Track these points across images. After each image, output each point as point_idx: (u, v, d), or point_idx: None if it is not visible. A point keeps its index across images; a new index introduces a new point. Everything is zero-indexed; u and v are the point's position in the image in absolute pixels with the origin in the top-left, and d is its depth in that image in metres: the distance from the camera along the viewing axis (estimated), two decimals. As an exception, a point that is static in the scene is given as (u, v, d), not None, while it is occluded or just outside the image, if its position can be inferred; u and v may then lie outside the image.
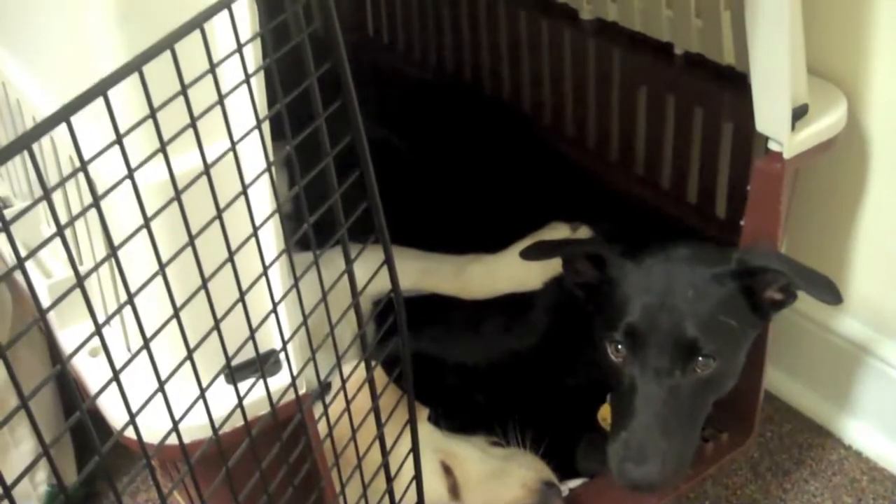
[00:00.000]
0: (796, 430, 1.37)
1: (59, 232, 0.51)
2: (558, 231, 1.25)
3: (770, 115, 1.03)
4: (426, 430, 1.07)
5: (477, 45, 1.62)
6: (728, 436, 1.24)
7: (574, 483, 1.20)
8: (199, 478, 0.67)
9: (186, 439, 0.66)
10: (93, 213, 0.53)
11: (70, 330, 0.89)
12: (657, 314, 1.03)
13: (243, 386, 0.75)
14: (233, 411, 0.68)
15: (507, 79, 1.58)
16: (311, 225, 0.71)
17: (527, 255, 1.14)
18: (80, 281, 0.53)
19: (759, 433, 1.36)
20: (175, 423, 0.62)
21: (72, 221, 0.53)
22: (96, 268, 0.55)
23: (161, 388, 0.59)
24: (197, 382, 0.64)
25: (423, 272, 1.25)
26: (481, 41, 1.60)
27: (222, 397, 0.71)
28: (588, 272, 1.12)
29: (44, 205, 0.49)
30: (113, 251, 0.55)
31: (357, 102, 0.71)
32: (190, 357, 0.61)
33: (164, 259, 0.59)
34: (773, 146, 1.05)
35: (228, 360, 0.66)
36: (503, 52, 1.57)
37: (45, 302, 0.89)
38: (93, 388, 0.84)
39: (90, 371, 0.86)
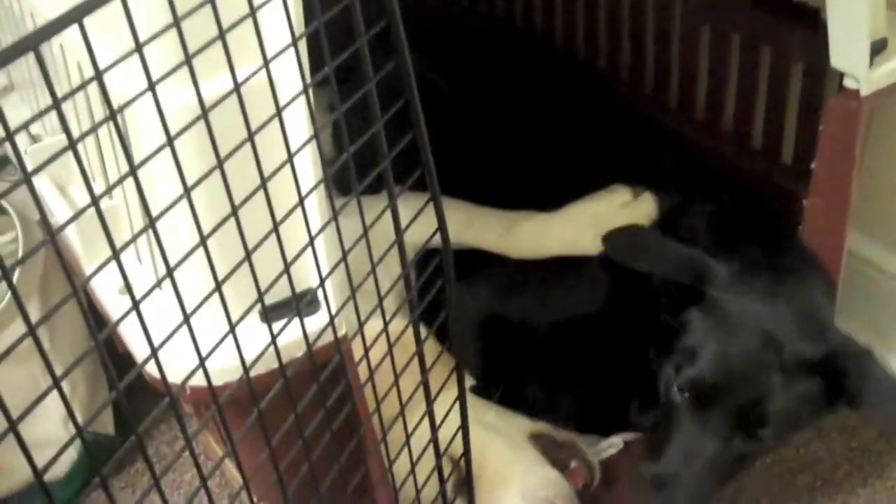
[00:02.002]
0: (863, 388, 1.31)
1: (72, 145, 0.47)
2: (619, 194, 1.18)
3: (847, 48, 0.96)
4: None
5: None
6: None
7: (629, 436, 1.15)
8: (231, 423, 0.63)
9: (218, 381, 0.62)
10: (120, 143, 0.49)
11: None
12: (734, 377, 0.98)
13: (278, 326, 0.71)
14: (266, 349, 0.63)
15: (560, 24, 1.51)
16: (351, 154, 0.67)
17: (611, 244, 1.07)
18: (94, 200, 0.48)
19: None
20: (202, 360, 0.57)
21: (86, 135, 0.49)
22: (113, 186, 0.50)
23: (186, 321, 0.55)
24: (227, 319, 0.59)
25: (468, 225, 1.19)
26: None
27: (256, 338, 0.67)
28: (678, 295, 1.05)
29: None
30: (132, 170, 0.50)
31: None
32: (218, 289, 0.57)
33: (192, 184, 0.55)
34: (848, 83, 0.98)
35: (261, 294, 0.61)
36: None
37: (74, 236, 0.86)
38: (122, 328, 0.81)
39: (120, 310, 0.82)
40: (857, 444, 1.24)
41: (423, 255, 0.78)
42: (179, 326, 0.55)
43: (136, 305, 0.51)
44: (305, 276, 0.73)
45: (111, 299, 0.83)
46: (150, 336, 0.53)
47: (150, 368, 0.65)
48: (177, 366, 0.61)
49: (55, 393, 0.50)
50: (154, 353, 0.53)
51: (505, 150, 1.37)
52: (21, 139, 1.08)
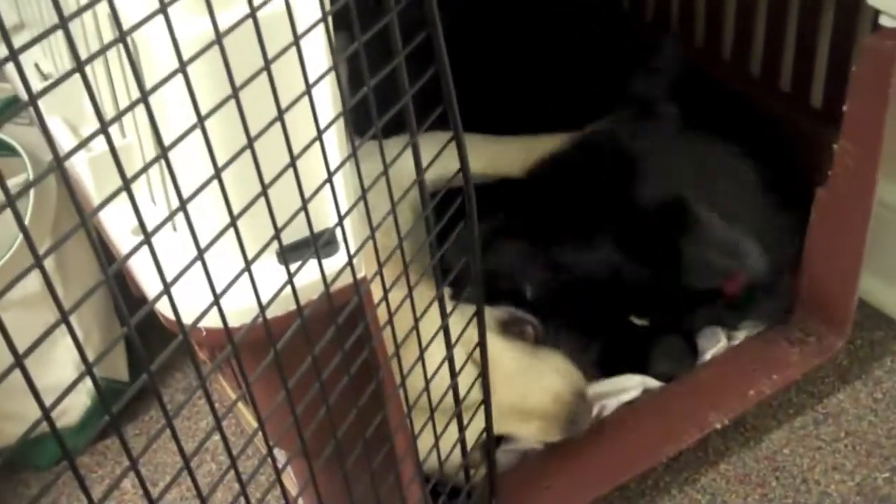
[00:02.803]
0: (889, 337, 1.28)
1: (80, 68, 0.44)
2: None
3: (883, -16, 0.92)
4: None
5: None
6: (816, 340, 1.15)
7: (650, 382, 1.13)
8: (247, 367, 0.61)
9: (234, 323, 0.59)
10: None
11: (112, 209, 0.83)
12: None
13: (295, 267, 0.69)
14: (282, 288, 0.61)
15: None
16: (371, 89, 0.64)
17: None
18: (104, 127, 0.46)
19: (849, 340, 1.27)
20: (216, 298, 0.55)
21: (94, 57, 0.46)
22: (125, 112, 0.47)
23: (200, 256, 0.53)
24: (242, 256, 0.57)
25: (491, 157, 1.17)
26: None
27: (273, 279, 0.64)
28: None
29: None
30: (144, 96, 0.48)
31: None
32: (234, 224, 0.55)
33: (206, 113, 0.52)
34: (884, 21, 0.94)
35: (277, 231, 0.59)
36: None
37: (87, 175, 0.83)
38: (136, 269, 0.78)
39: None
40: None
41: (444, 194, 0.75)
42: (193, 262, 0.52)
43: (147, 239, 0.49)
44: (324, 215, 0.70)
45: (125, 240, 0.81)
46: (163, 271, 0.50)
47: (164, 309, 0.64)
48: (192, 306, 0.59)
49: (69, 340, 0.48)
50: (167, 288, 0.51)
51: (526, 76, 1.33)
52: (33, 79, 1.06)
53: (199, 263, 0.53)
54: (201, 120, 0.52)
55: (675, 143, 1.17)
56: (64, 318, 0.45)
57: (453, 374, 0.84)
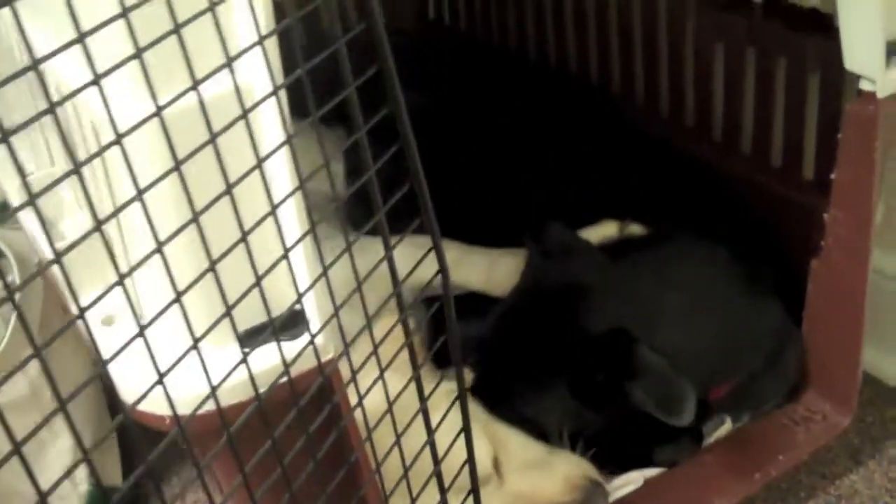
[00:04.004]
0: (902, 414, 1.25)
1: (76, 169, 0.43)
2: (606, 228, 1.14)
3: (861, 49, 0.91)
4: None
5: (540, 13, 1.52)
6: (822, 418, 1.12)
7: (651, 472, 1.09)
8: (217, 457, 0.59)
9: (223, 403, 0.59)
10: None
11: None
12: None
13: (259, 351, 0.67)
14: (233, 369, 0.59)
15: (573, 46, 1.48)
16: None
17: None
18: (100, 225, 0.45)
19: (860, 418, 1.23)
20: (161, 377, 0.53)
21: (23, 127, 0.45)
22: (69, 171, 0.46)
23: (141, 334, 0.51)
24: (190, 335, 0.55)
25: (455, 263, 1.14)
26: (545, 5, 1.50)
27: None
28: None
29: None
30: (76, 167, 0.47)
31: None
32: (178, 300, 0.53)
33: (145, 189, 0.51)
34: (864, 86, 0.94)
35: (229, 309, 0.57)
36: (567, 18, 1.47)
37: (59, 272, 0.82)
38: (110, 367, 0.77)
39: (105, 341, 0.79)
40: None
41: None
42: (133, 339, 0.51)
43: (141, 332, 0.48)
44: (289, 297, 0.69)
45: (95, 331, 0.79)
46: (157, 363, 0.49)
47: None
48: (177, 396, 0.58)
49: (60, 445, 0.48)
50: (161, 379, 0.49)
51: (508, 181, 1.31)
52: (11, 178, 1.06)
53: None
54: (140, 193, 0.51)
55: (631, 263, 1.11)
56: (62, 406, 0.45)
57: (436, 460, 0.81)
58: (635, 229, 1.14)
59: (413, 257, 0.73)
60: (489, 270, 1.16)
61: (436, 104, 1.39)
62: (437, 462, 0.81)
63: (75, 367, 1.20)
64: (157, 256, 0.53)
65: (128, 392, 0.72)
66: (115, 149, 0.63)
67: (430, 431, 0.79)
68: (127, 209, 0.54)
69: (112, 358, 0.50)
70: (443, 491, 0.83)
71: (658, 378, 0.98)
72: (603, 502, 1.01)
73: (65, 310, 1.13)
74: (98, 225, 0.49)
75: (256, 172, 0.58)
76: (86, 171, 0.49)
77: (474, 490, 0.84)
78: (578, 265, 1.09)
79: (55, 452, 1.16)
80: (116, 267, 0.51)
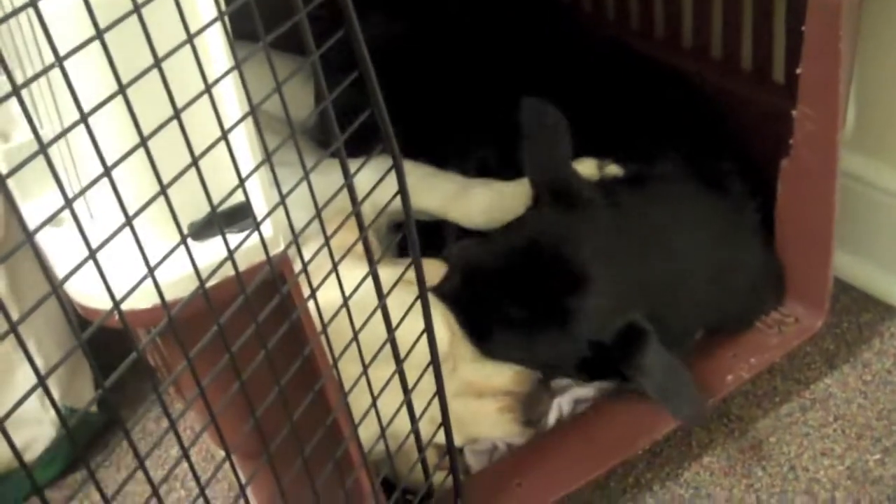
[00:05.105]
0: (877, 319, 1.23)
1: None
2: (584, 165, 1.11)
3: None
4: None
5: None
6: (795, 321, 1.11)
7: (582, 391, 1.09)
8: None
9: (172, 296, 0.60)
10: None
11: (33, 203, 0.80)
12: None
13: (210, 243, 0.66)
14: (169, 254, 0.58)
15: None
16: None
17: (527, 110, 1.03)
18: (42, 146, 0.43)
19: (835, 324, 1.22)
20: (150, 270, 0.52)
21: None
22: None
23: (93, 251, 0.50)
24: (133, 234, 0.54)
25: (424, 189, 1.13)
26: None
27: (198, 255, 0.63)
28: None
29: None
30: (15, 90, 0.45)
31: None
32: (164, 192, 0.52)
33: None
34: (829, -25, 0.92)
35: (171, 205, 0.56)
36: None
37: (3, 169, 0.80)
38: (59, 262, 0.75)
39: (57, 245, 0.77)
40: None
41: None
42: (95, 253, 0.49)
43: (92, 253, 0.46)
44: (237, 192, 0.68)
45: (46, 235, 0.78)
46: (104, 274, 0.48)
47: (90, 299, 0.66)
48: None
49: (25, 368, 0.47)
50: (92, 258, 0.48)
51: (471, 105, 1.28)
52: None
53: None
54: (84, 115, 0.50)
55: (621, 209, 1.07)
56: (13, 329, 0.44)
57: (389, 327, 0.79)
58: (613, 169, 1.11)
59: (379, 176, 0.73)
60: (455, 198, 1.14)
61: (412, 30, 1.38)
62: (390, 329, 0.79)
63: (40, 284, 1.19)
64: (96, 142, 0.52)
65: (78, 294, 0.71)
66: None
67: (382, 296, 0.77)
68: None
69: (66, 278, 0.51)
70: (398, 360, 0.81)
71: (666, 375, 0.98)
72: (548, 398, 1.03)
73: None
74: (43, 148, 0.48)
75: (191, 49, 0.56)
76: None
77: (433, 355, 0.84)
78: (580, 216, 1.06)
79: (23, 374, 1.14)
80: (63, 190, 0.50)
